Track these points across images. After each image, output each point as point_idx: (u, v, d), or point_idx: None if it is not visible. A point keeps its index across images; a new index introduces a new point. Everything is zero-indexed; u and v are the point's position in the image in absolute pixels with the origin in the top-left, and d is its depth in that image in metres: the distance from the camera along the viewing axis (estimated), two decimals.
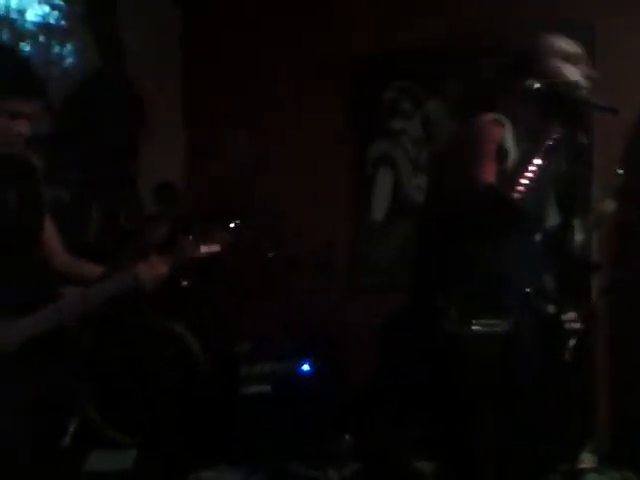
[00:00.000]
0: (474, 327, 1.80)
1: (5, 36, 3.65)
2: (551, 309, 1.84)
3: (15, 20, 3.69)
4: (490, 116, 1.82)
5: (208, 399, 3.18)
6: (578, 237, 2.02)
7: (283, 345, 3.51)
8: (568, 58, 1.85)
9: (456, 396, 1.84)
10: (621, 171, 2.17)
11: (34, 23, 3.78)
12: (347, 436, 3.21)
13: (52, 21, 3.87)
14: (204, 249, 2.02)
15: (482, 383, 1.80)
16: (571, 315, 1.94)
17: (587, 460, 3.05)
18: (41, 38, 3.82)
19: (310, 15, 4.09)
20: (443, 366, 1.85)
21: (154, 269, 1.95)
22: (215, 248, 2.06)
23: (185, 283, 3.55)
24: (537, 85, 1.73)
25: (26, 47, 3.75)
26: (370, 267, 3.99)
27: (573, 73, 1.83)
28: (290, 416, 3.20)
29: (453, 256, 1.85)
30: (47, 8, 3.84)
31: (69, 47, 3.96)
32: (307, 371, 3.37)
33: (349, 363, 3.57)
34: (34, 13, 3.78)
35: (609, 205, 2.09)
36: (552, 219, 1.96)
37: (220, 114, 4.29)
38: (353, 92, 3.99)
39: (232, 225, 3.78)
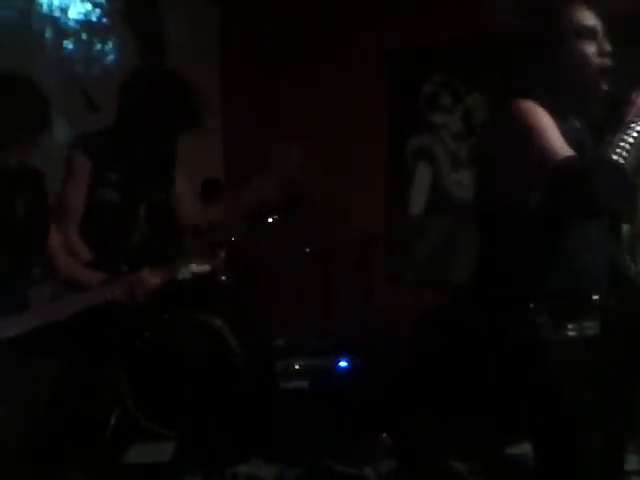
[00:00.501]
0: (569, 333, 1.64)
1: (49, 34, 3.71)
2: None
3: (58, 18, 3.76)
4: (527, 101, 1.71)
5: (245, 394, 3.19)
6: None
7: (320, 341, 3.50)
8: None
9: (552, 404, 1.69)
10: None
11: (76, 21, 3.84)
12: (384, 434, 3.19)
13: (94, 19, 3.92)
14: (195, 268, 2.21)
15: (578, 391, 1.66)
16: None
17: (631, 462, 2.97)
18: (83, 36, 3.87)
19: (348, 8, 4.06)
20: (531, 373, 1.67)
21: (146, 282, 2.16)
22: (206, 268, 2.23)
23: (224, 278, 3.57)
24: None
25: (69, 45, 3.81)
26: (408, 262, 3.95)
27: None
28: (327, 412, 3.18)
29: (537, 253, 1.66)
30: (89, 6, 3.89)
31: (110, 44, 4.01)
32: (344, 367, 3.35)
33: (387, 359, 3.53)
34: (76, 11, 3.84)
35: None
36: None
37: (258, 112, 4.30)
38: (392, 86, 3.95)
39: (270, 220, 3.79)
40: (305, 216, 3.77)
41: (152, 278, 2.18)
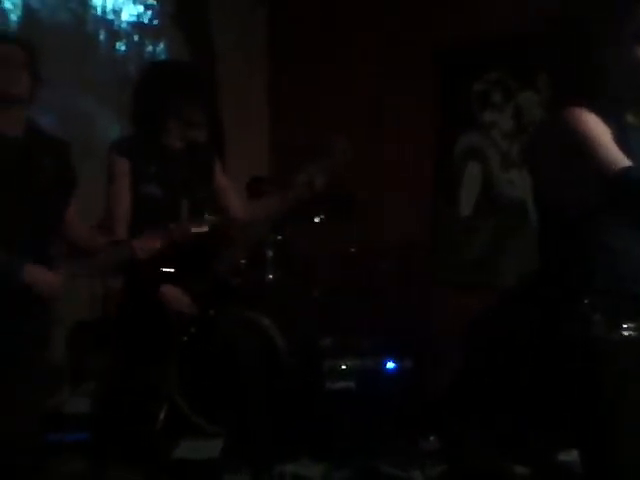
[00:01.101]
0: (625, 332, 1.60)
1: (102, 36, 3.79)
2: None
3: (111, 20, 3.83)
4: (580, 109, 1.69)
5: (292, 393, 3.19)
6: None
7: (367, 341, 3.47)
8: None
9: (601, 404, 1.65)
10: None
11: (129, 23, 3.91)
12: (432, 436, 3.14)
13: (145, 20, 3.99)
14: (195, 229, 2.32)
15: (628, 392, 1.62)
16: None
17: None
18: (135, 37, 3.95)
19: (398, 6, 4.03)
20: (582, 373, 1.64)
21: (147, 243, 2.24)
22: (204, 229, 2.33)
23: (270, 276, 3.58)
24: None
25: (121, 47, 3.89)
26: (456, 264, 3.89)
27: None
28: (374, 414, 3.16)
29: (595, 252, 1.65)
30: (141, 8, 3.96)
31: (161, 46, 4.07)
32: (392, 368, 3.32)
33: (435, 361, 3.49)
34: (129, 13, 3.91)
35: None
36: None
37: (307, 111, 4.30)
38: (442, 84, 3.90)
39: (317, 220, 3.78)
40: (352, 216, 3.76)
41: (150, 242, 2.25)
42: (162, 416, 2.82)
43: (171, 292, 2.52)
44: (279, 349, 3.32)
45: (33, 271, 2.03)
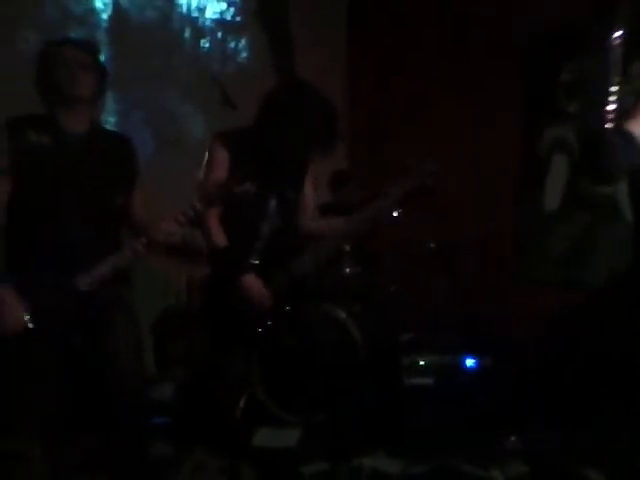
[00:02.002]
0: None
1: (187, 34, 3.89)
2: None
3: (196, 18, 3.93)
4: None
5: (369, 387, 3.18)
6: None
7: (447, 338, 3.42)
8: None
9: None
10: None
11: (212, 20, 4.00)
12: (513, 437, 3.06)
13: (228, 17, 4.07)
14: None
15: None
16: None
17: None
18: (218, 34, 4.03)
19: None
20: None
21: (165, 227, 2.22)
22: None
23: (348, 270, 3.58)
24: None
25: (205, 43, 3.98)
26: (539, 260, 3.77)
27: None
28: (453, 411, 3.10)
29: None
30: (224, 5, 4.04)
31: (243, 42, 4.14)
32: (471, 366, 3.25)
33: (515, 359, 3.40)
34: (212, 10, 4.00)
35: None
36: None
37: (386, 108, 4.27)
38: (528, 73, 3.79)
39: (395, 214, 3.75)
40: (431, 210, 3.71)
41: (170, 226, 2.24)
42: (242, 404, 2.87)
43: (253, 283, 2.56)
44: (356, 343, 3.31)
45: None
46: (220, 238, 2.51)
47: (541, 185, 3.76)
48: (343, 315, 3.36)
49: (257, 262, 2.63)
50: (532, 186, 3.79)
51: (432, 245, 3.79)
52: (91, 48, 2.24)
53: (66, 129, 2.16)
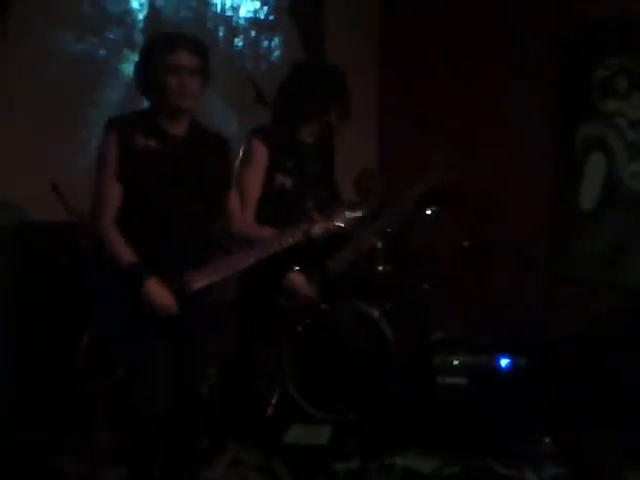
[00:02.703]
0: None
1: (221, 33, 3.92)
2: None
3: (230, 17, 3.95)
4: None
5: (402, 386, 3.17)
6: None
7: (481, 337, 3.38)
8: None
9: None
10: None
11: (246, 19, 4.02)
12: (547, 438, 3.02)
13: (262, 16, 4.09)
14: (349, 215, 2.39)
15: None
16: None
17: None
18: (252, 33, 4.05)
19: None
20: None
21: (317, 226, 2.33)
22: (359, 214, 2.41)
23: (380, 268, 3.57)
24: None
25: (239, 42, 4.00)
26: (576, 260, 3.71)
27: None
28: (487, 411, 3.08)
29: None
30: (257, 4, 4.06)
31: (276, 40, 4.15)
32: (506, 366, 3.21)
33: (552, 360, 3.35)
34: (246, 9, 4.02)
35: None
36: None
37: (416, 103, 4.25)
38: (561, 72, 3.73)
39: (429, 212, 3.72)
40: (465, 208, 3.68)
41: (316, 228, 2.32)
42: (274, 401, 2.89)
43: (298, 278, 2.58)
44: (389, 342, 3.31)
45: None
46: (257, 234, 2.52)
47: (577, 184, 3.71)
48: (376, 314, 3.36)
49: (298, 258, 2.64)
50: (568, 185, 3.73)
51: (465, 244, 3.76)
52: (202, 50, 2.16)
53: (169, 131, 2.15)
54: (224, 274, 2.20)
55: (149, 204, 2.11)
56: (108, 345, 2.27)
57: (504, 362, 3.21)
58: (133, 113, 2.24)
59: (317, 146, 2.70)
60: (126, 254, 2.08)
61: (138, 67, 2.18)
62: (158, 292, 2.07)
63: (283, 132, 2.62)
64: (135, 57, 3.53)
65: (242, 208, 2.50)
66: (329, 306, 2.83)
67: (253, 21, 4.04)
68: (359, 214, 2.40)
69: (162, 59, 2.09)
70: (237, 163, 2.60)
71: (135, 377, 2.11)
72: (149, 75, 2.13)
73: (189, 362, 2.21)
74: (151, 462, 2.15)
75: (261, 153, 2.55)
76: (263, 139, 2.56)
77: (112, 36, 3.54)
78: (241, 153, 2.61)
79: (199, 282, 2.15)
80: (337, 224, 2.36)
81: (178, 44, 2.11)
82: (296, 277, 2.58)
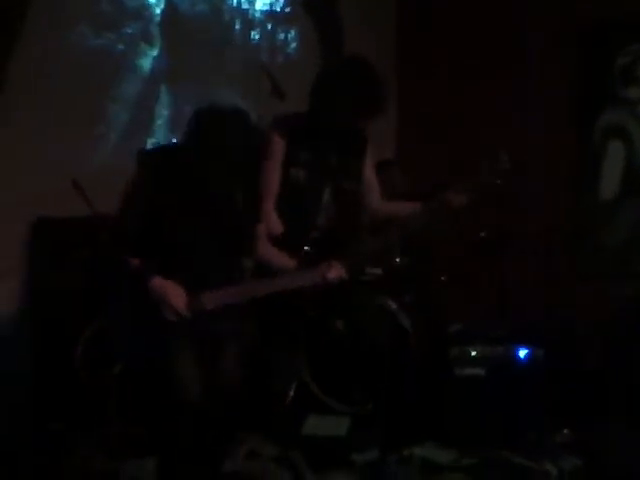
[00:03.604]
0: None
1: (238, 26, 3.92)
2: None
3: (246, 10, 3.95)
4: None
5: (420, 377, 3.17)
6: None
7: (498, 329, 3.37)
8: None
9: None
10: None
11: (262, 12, 4.01)
12: (566, 430, 3.01)
13: (278, 9, 4.08)
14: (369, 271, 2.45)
15: None
16: None
17: None
18: (268, 26, 4.04)
19: None
20: None
21: (336, 272, 2.31)
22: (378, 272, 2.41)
23: (398, 260, 3.56)
24: None
25: (255, 35, 4.00)
26: (596, 251, 3.68)
27: None
28: (505, 402, 3.07)
29: None
30: None
31: (292, 33, 4.15)
32: (524, 357, 3.20)
33: (571, 351, 3.33)
34: (262, 2, 4.01)
35: None
36: None
37: (436, 97, 4.22)
38: (581, 58, 3.68)
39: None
40: (482, 199, 3.65)
41: (333, 273, 2.31)
42: (292, 393, 2.91)
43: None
44: (406, 333, 3.31)
45: None
46: (277, 227, 2.54)
47: (597, 173, 3.67)
48: (394, 305, 3.36)
49: (311, 251, 2.64)
50: (588, 174, 3.69)
51: (483, 235, 3.74)
52: None
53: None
54: (238, 300, 2.20)
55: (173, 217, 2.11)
56: (108, 340, 2.29)
57: (522, 353, 3.20)
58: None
59: (346, 138, 2.67)
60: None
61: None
62: (163, 290, 2.07)
63: (304, 123, 2.60)
64: (152, 51, 3.55)
65: (262, 201, 2.51)
66: (346, 298, 2.83)
67: (269, 14, 4.04)
68: (378, 272, 2.37)
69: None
70: None
71: (151, 371, 2.13)
72: None
73: (216, 354, 2.22)
74: (176, 455, 2.17)
75: (278, 145, 2.56)
76: (282, 131, 2.57)
77: (129, 31, 3.55)
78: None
79: (212, 303, 2.15)
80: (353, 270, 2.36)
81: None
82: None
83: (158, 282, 2.07)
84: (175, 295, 2.08)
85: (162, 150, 2.24)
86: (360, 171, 2.72)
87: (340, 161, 2.65)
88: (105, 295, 2.21)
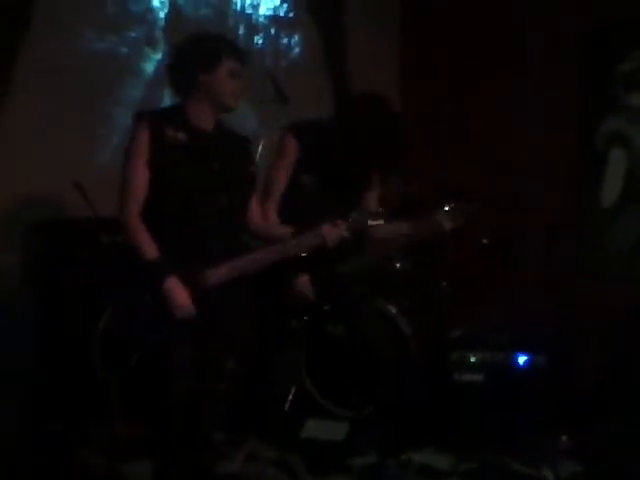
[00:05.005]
0: None
1: (241, 31, 3.94)
2: None
3: (250, 15, 3.97)
4: None
5: (419, 382, 3.17)
6: None
7: (498, 334, 3.37)
8: None
9: None
10: None
11: (266, 16, 4.03)
12: (564, 436, 3.01)
13: (281, 13, 4.10)
14: (372, 222, 2.35)
15: None
16: None
17: None
18: (272, 31, 4.06)
19: None
20: None
21: (336, 230, 2.28)
22: (379, 221, 2.36)
23: (398, 265, 3.57)
24: None
25: (259, 40, 4.02)
26: (598, 256, 3.67)
27: None
28: (503, 408, 3.07)
29: None
30: (277, 1, 4.07)
31: (296, 38, 4.16)
32: (523, 363, 3.20)
33: (571, 358, 3.33)
34: (266, 7, 4.03)
35: None
36: None
37: (438, 102, 4.22)
38: (583, 62, 3.68)
39: (447, 208, 3.72)
40: (484, 205, 3.66)
41: (333, 232, 2.29)
42: (291, 397, 2.92)
43: (302, 278, 2.61)
44: (406, 338, 3.31)
45: None
46: (276, 228, 2.53)
47: (599, 179, 3.67)
48: (393, 310, 3.36)
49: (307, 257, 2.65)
50: (589, 178, 3.69)
51: (485, 241, 3.74)
52: (245, 59, 2.26)
53: (198, 126, 2.20)
54: (240, 273, 2.22)
55: (176, 196, 2.15)
56: (121, 335, 2.30)
57: (522, 359, 3.20)
58: (162, 109, 2.33)
59: (351, 169, 2.69)
60: (150, 250, 2.11)
61: (185, 65, 2.21)
62: (177, 293, 2.11)
63: (320, 132, 2.62)
64: (156, 55, 3.56)
65: (266, 200, 2.53)
66: (346, 303, 2.84)
67: (273, 18, 4.06)
68: (380, 222, 2.37)
69: (227, 63, 2.18)
70: (257, 160, 2.63)
71: (151, 366, 2.14)
72: (203, 75, 2.18)
73: (213, 350, 2.24)
74: (174, 453, 2.18)
75: (292, 147, 2.58)
76: (295, 133, 2.59)
77: (133, 34, 3.57)
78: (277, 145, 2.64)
79: (215, 279, 2.17)
80: (353, 231, 2.34)
81: (236, 50, 2.24)
82: (300, 280, 2.59)
83: (170, 283, 2.10)
84: (182, 298, 2.11)
85: (162, 113, 2.24)
86: (362, 198, 2.74)
87: (345, 185, 2.66)
88: (112, 288, 2.22)
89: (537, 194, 3.77)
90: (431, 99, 4.26)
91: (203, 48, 2.19)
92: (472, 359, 3.21)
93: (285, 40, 4.12)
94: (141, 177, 2.14)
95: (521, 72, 3.88)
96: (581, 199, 3.72)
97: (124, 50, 3.55)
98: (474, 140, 4.01)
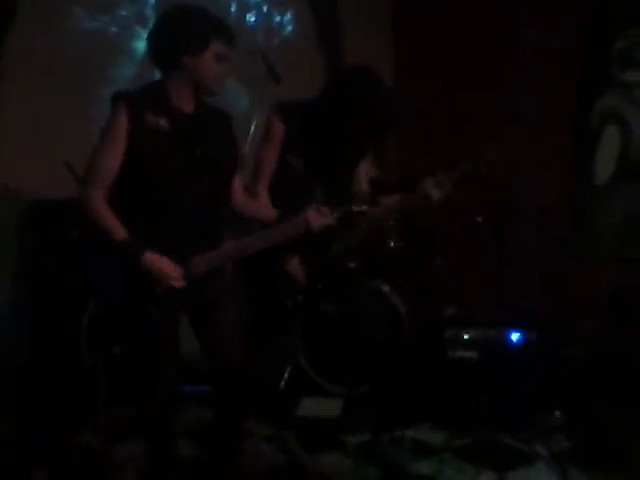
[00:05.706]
0: None
1: (233, 8, 3.90)
2: None
3: None
4: None
5: (413, 359, 3.19)
6: None
7: (492, 312, 3.39)
8: None
9: None
10: None
11: None
12: (557, 412, 3.04)
13: None
14: (357, 208, 2.34)
15: None
16: None
17: None
18: (264, 8, 4.02)
19: None
20: None
21: (321, 217, 2.27)
22: (364, 208, 2.34)
23: (392, 244, 3.57)
24: None
25: (251, 17, 3.98)
26: (591, 235, 3.68)
27: None
28: (496, 385, 3.09)
29: None
30: None
31: (288, 16, 4.13)
32: (517, 340, 3.22)
33: (564, 335, 3.35)
34: None
35: None
36: None
37: (433, 88, 4.20)
38: (579, 40, 3.66)
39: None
40: (479, 182, 3.65)
41: (317, 218, 2.28)
42: (286, 375, 2.94)
43: (291, 259, 2.61)
44: (400, 316, 3.33)
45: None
46: (268, 210, 2.52)
47: (592, 157, 3.66)
48: (387, 288, 3.37)
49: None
50: (583, 158, 3.69)
51: (479, 219, 3.74)
52: (233, 43, 2.17)
53: (178, 109, 2.15)
54: (227, 259, 2.21)
55: (156, 184, 2.09)
56: (106, 321, 2.29)
57: (515, 336, 3.21)
58: (141, 89, 2.21)
59: (341, 145, 2.66)
60: (118, 231, 2.06)
61: (169, 45, 2.13)
62: (159, 263, 2.07)
63: (307, 114, 2.58)
64: (145, 34, 3.52)
65: (257, 180, 2.51)
66: (339, 281, 2.84)
67: None
68: (364, 208, 2.35)
69: (215, 47, 2.10)
70: (249, 139, 2.61)
71: (137, 354, 2.14)
72: (188, 58, 2.11)
73: (207, 337, 2.23)
74: (166, 439, 2.19)
75: (278, 129, 2.55)
76: (283, 116, 2.56)
77: (124, 13, 3.54)
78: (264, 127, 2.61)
79: (201, 266, 2.15)
80: (339, 217, 2.33)
81: (225, 32, 2.14)
82: (290, 260, 2.59)
83: (149, 257, 2.06)
84: (168, 266, 2.09)
85: (142, 94, 2.15)
86: (356, 165, 2.72)
87: (336, 160, 2.63)
88: (93, 275, 2.21)
89: (531, 173, 3.76)
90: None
91: (190, 29, 2.09)
92: (466, 336, 3.22)
93: (277, 18, 4.09)
94: (112, 163, 2.07)
95: (519, 51, 3.85)
96: (575, 177, 3.72)
97: (114, 29, 3.52)
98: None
